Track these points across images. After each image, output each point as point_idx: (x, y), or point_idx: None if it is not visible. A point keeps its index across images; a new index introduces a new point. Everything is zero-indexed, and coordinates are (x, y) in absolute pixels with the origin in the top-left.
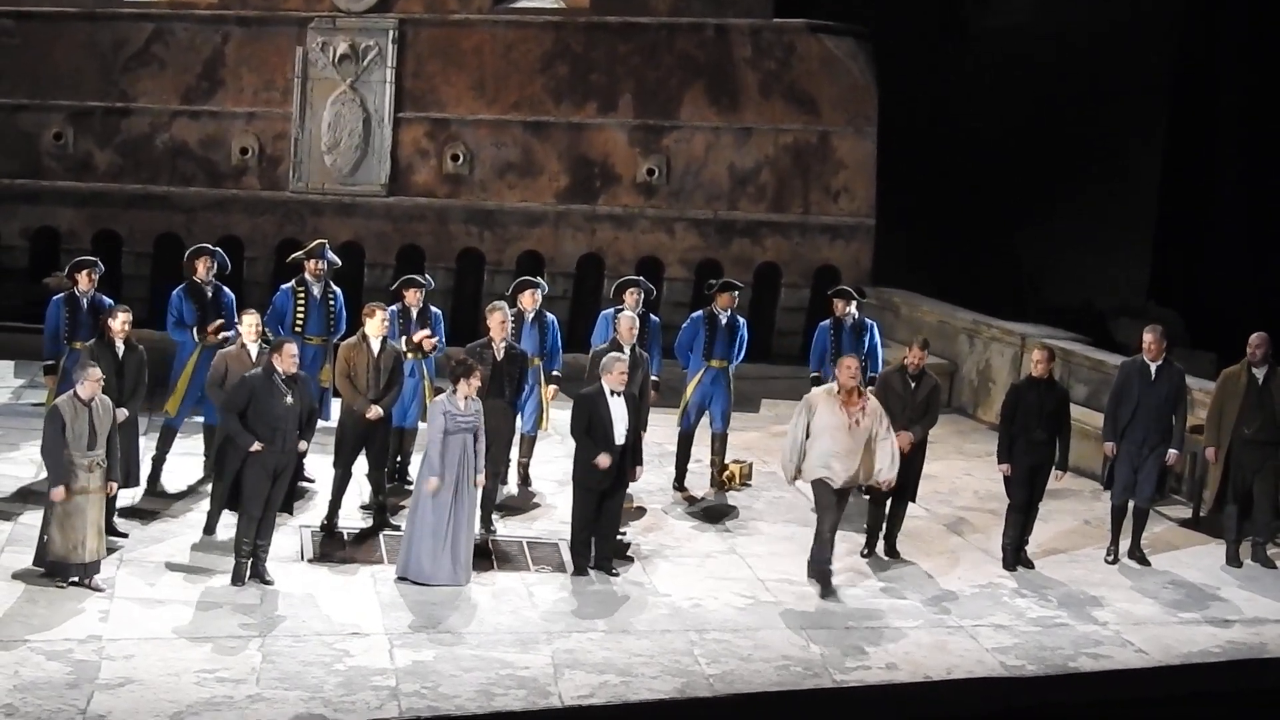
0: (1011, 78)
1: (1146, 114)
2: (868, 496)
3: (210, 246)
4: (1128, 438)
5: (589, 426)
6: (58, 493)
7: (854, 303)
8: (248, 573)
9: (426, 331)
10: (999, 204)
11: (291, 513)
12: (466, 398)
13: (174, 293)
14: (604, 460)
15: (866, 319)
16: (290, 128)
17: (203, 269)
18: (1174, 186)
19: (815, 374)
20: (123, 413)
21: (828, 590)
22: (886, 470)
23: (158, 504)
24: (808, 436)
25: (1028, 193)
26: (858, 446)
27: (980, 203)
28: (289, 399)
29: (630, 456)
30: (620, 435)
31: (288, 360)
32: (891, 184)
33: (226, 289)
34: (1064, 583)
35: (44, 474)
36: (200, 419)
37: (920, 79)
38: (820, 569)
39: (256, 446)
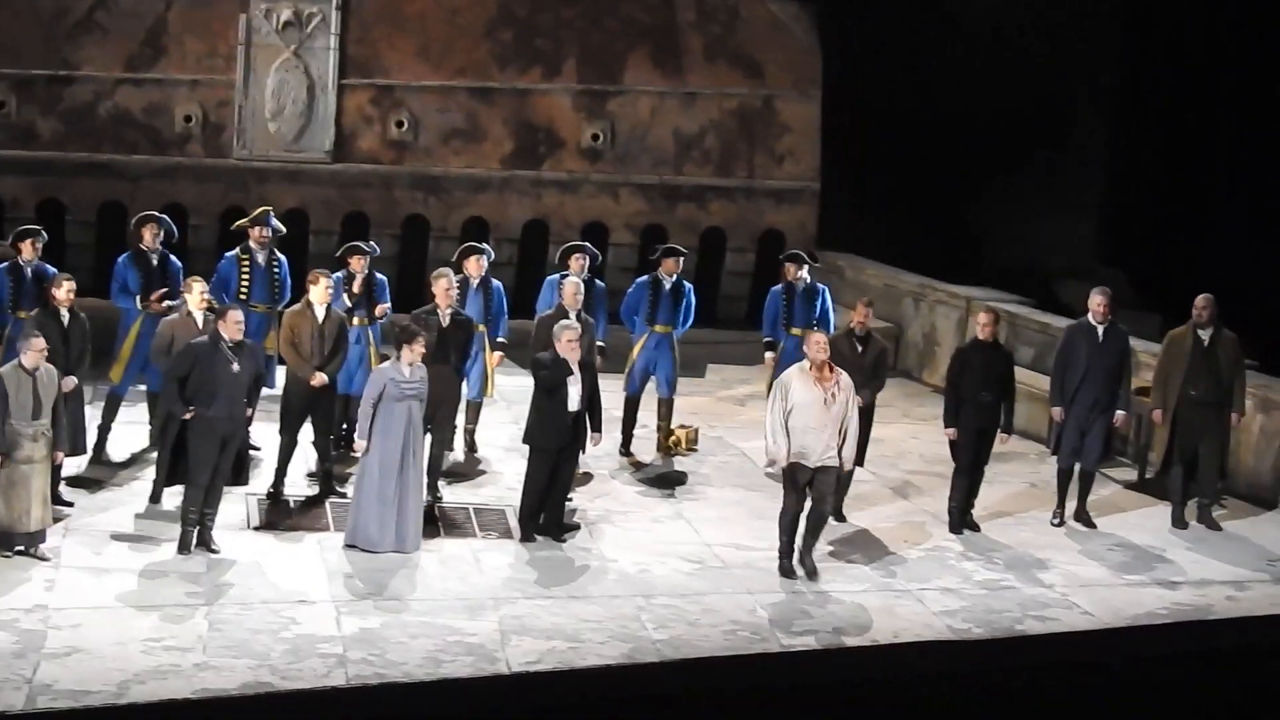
0: (960, 39)
1: (1096, 75)
2: None
3: (157, 214)
4: (1076, 401)
5: (550, 391)
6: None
7: (805, 267)
8: (194, 541)
9: (384, 307)
10: (945, 167)
11: (246, 483)
12: (410, 364)
13: (119, 260)
14: (360, 446)
15: (818, 283)
16: (234, 95)
17: (149, 236)
18: (1122, 148)
19: (768, 339)
20: (70, 381)
21: (789, 568)
22: (848, 446)
23: (103, 473)
24: (788, 417)
25: (975, 154)
26: (833, 422)
27: (926, 166)
28: (235, 366)
29: (588, 423)
30: (574, 402)
31: (232, 327)
32: (837, 148)
33: (173, 257)
34: (1010, 545)
35: None
36: (144, 387)
37: (865, 42)
38: (783, 560)
39: (187, 414)
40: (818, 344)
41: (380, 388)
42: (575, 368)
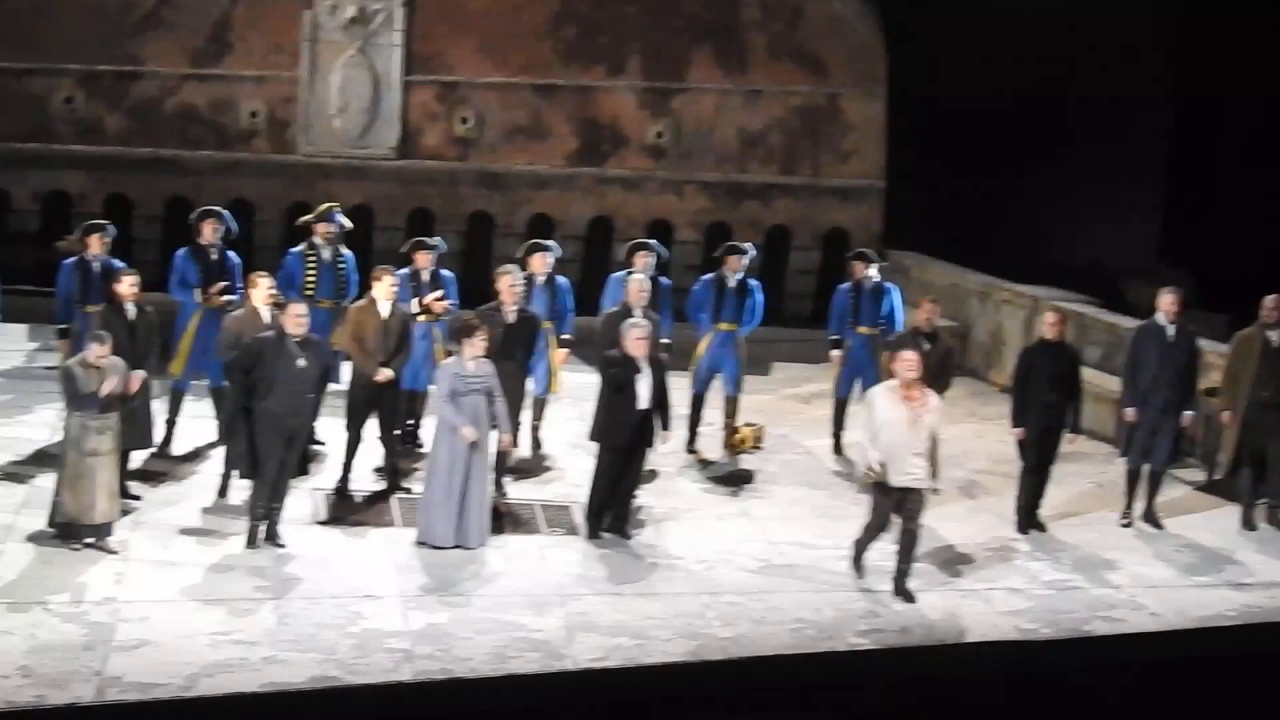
0: (1022, 36)
1: (1157, 72)
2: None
3: (218, 209)
4: (1147, 402)
5: (618, 388)
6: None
7: (874, 265)
8: (262, 536)
9: (439, 293)
10: (1009, 165)
11: (308, 474)
12: (474, 358)
13: (178, 254)
14: (468, 433)
15: (886, 282)
16: (299, 91)
17: (209, 231)
18: (1184, 146)
19: (835, 337)
20: (140, 374)
21: (860, 574)
22: (937, 466)
23: (170, 467)
24: (874, 435)
25: (1038, 153)
26: (919, 443)
27: (990, 164)
28: (301, 361)
29: (657, 420)
30: (644, 400)
31: (293, 321)
32: (901, 145)
33: (232, 253)
34: (1077, 546)
35: (58, 437)
36: (207, 382)
37: (930, 39)
38: (858, 557)
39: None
40: (907, 363)
41: (449, 383)
42: (644, 365)
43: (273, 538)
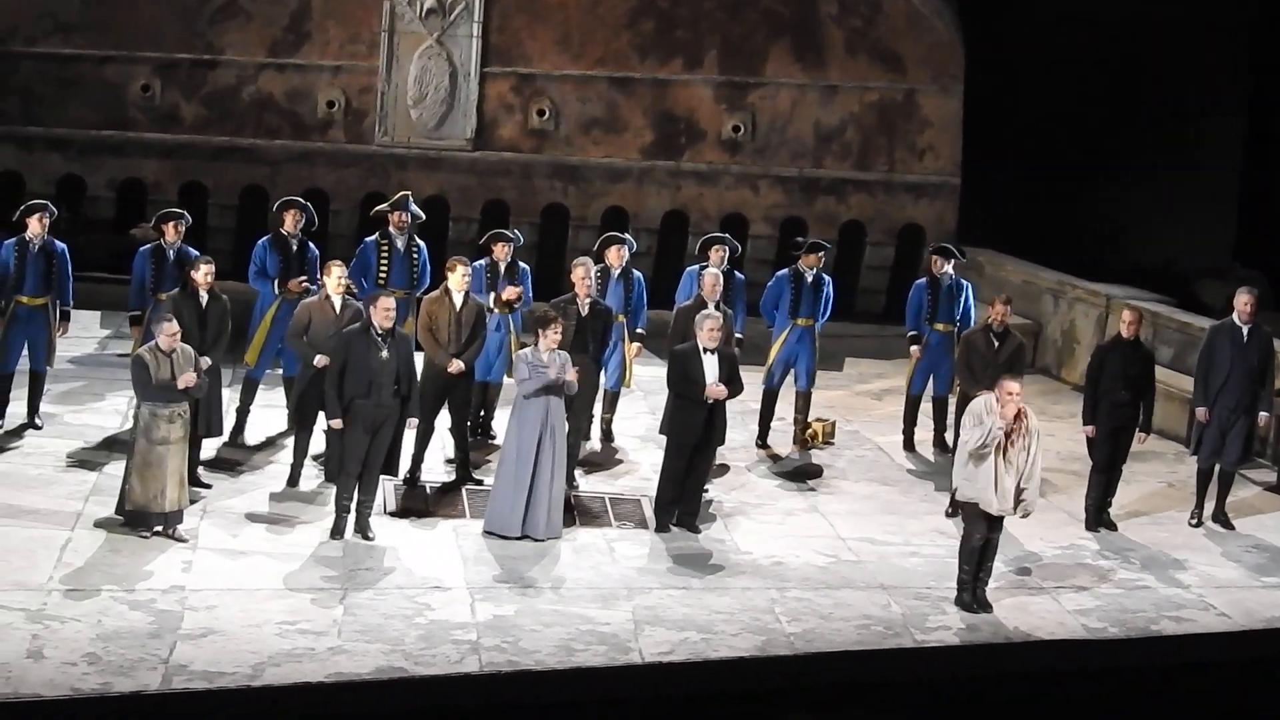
0: (1096, 34)
1: (1231, 71)
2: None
3: (299, 200)
4: (1219, 402)
5: (682, 382)
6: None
7: (951, 261)
8: (347, 528)
9: (515, 289)
10: (1083, 163)
11: (395, 474)
12: (550, 350)
13: (259, 243)
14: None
15: (961, 279)
16: (376, 81)
17: (290, 222)
18: (1259, 145)
19: (912, 332)
20: (205, 361)
21: (968, 601)
22: (1030, 493)
23: (241, 455)
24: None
25: (1112, 152)
26: (1017, 469)
27: (1065, 162)
28: (384, 354)
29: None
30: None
31: (381, 314)
32: (977, 142)
33: (311, 244)
34: (1147, 545)
35: (129, 424)
36: (280, 371)
37: (1006, 36)
38: (962, 594)
39: (336, 423)
40: (1009, 394)
41: (524, 374)
42: (715, 356)
43: (363, 530)
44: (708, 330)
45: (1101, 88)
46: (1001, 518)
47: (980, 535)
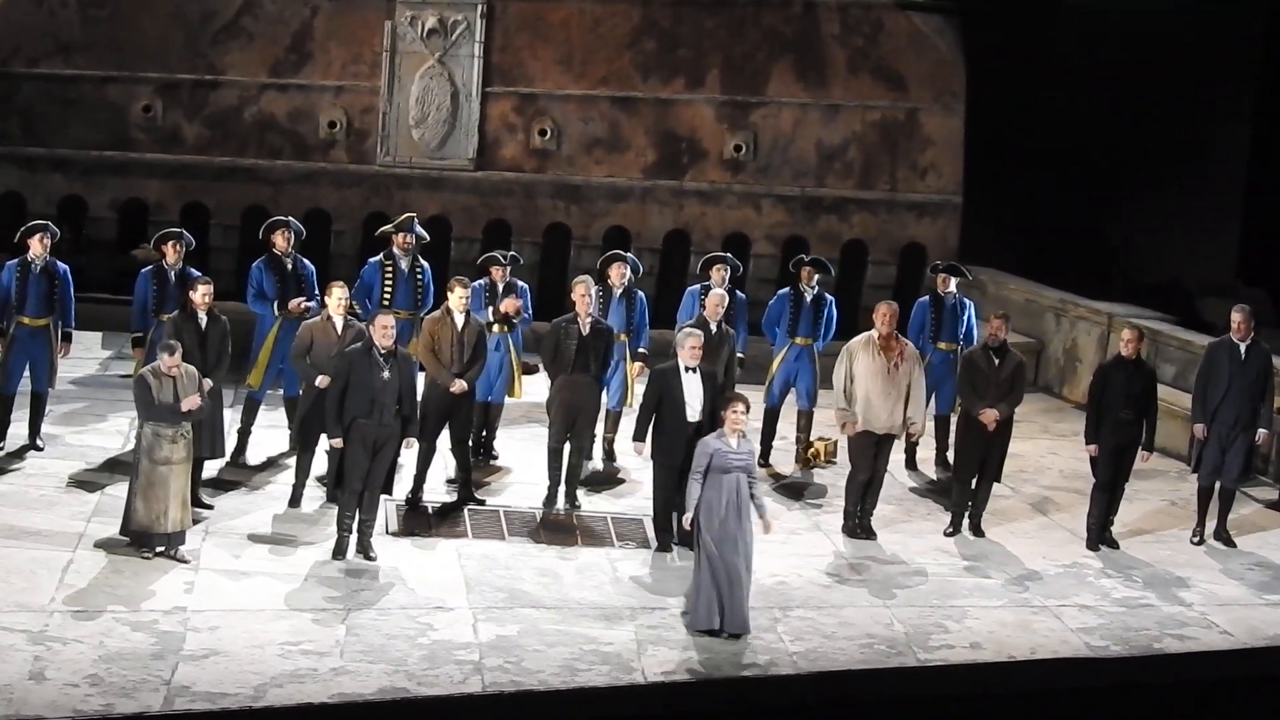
0: (1098, 53)
1: (1234, 90)
2: (951, 475)
3: (286, 218)
4: (1218, 419)
5: (660, 402)
6: (191, 401)
7: (955, 280)
8: (349, 548)
9: (516, 302)
10: (1086, 182)
11: (391, 493)
12: (738, 435)
13: (254, 265)
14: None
15: (964, 298)
16: (378, 101)
17: (281, 241)
18: (1262, 163)
19: None
20: (207, 383)
21: (862, 534)
22: (917, 417)
23: (242, 476)
24: (851, 383)
25: (1115, 170)
26: (898, 391)
27: (1067, 181)
28: (386, 373)
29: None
30: (694, 412)
31: (381, 333)
32: (978, 161)
33: (306, 260)
34: (1149, 563)
35: (131, 445)
36: (281, 391)
37: (1007, 55)
38: (849, 521)
39: (337, 442)
40: (882, 315)
41: (707, 459)
42: (696, 375)
43: (365, 550)
44: (689, 348)
45: (1103, 106)
46: (885, 456)
47: (865, 473)
